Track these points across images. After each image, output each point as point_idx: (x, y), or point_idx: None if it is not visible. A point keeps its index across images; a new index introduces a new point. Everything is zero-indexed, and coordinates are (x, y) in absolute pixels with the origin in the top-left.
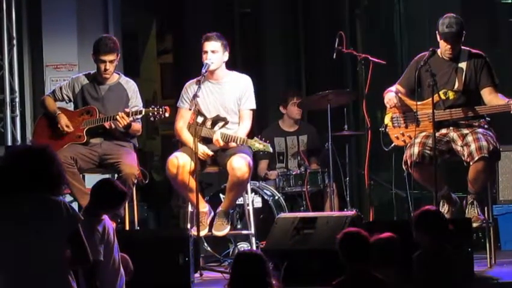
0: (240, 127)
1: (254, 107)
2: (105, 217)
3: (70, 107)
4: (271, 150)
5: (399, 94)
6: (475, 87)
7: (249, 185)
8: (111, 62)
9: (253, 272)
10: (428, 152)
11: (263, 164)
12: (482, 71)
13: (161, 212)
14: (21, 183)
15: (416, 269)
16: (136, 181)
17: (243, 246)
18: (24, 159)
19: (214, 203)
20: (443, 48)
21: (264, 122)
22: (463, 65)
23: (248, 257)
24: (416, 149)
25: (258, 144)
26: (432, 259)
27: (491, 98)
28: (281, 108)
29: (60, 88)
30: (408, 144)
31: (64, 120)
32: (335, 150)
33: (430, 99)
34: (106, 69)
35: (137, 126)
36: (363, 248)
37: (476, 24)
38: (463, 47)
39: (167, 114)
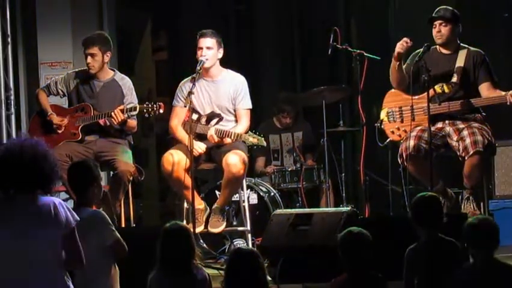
0: (237, 126)
1: (250, 106)
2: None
3: (65, 103)
4: (265, 143)
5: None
6: (471, 83)
7: (244, 181)
8: (92, 56)
9: (248, 270)
10: (424, 145)
11: (260, 161)
12: (481, 67)
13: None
14: (11, 181)
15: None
16: (131, 178)
17: (239, 242)
18: (15, 155)
19: (209, 199)
20: (434, 35)
21: (258, 118)
22: (460, 60)
23: (243, 255)
24: (411, 142)
25: (252, 138)
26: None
27: (489, 94)
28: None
29: (56, 83)
30: (404, 138)
31: (56, 120)
32: (331, 146)
33: (425, 93)
34: (88, 64)
35: (132, 123)
36: (368, 250)
37: (471, 19)
38: (462, 44)
39: (161, 111)
